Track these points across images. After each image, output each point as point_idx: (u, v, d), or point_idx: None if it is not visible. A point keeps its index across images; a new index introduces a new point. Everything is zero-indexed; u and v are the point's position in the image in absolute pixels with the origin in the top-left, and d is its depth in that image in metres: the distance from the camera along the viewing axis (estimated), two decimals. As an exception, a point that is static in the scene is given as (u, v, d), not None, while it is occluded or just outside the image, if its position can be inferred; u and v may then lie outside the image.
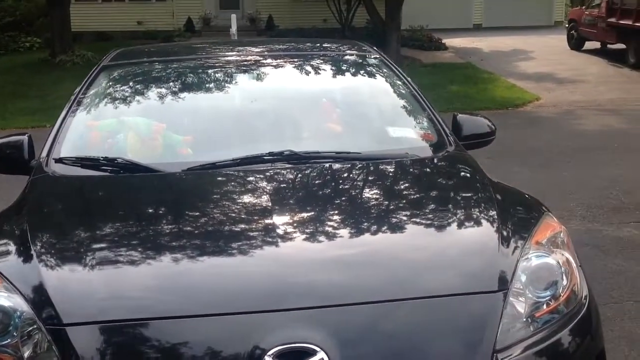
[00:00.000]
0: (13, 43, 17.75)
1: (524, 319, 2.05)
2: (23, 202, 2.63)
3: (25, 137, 3.08)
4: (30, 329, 1.97)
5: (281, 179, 2.73)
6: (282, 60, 3.84)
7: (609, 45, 14.70)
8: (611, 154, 7.25)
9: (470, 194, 2.65)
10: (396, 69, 3.69)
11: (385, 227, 2.41)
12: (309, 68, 3.73)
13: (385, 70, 3.67)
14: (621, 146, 7.61)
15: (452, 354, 1.93)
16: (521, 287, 2.11)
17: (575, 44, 15.77)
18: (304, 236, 2.31)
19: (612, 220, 5.26)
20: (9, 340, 1.96)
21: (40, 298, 2.01)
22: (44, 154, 2.93)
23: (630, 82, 11.73)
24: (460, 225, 2.39)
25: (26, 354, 1.94)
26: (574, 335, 2.10)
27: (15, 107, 10.52)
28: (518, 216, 2.50)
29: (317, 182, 2.78)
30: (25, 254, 2.21)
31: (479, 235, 2.35)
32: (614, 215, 5.37)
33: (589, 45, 15.42)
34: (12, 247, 2.29)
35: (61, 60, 14.22)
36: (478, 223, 2.42)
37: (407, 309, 2.00)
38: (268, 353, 1.84)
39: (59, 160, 2.85)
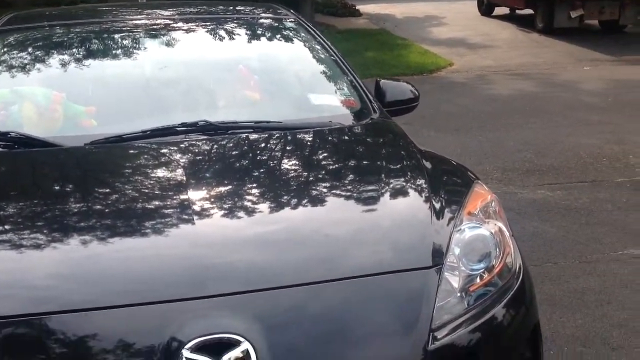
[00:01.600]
0: None
1: (458, 294, 1.96)
2: None
3: None
4: None
5: (196, 151, 2.54)
6: (194, 24, 3.59)
7: (517, 11, 14.99)
8: (523, 117, 7.38)
9: (398, 163, 2.53)
10: (315, 32, 3.53)
11: (310, 202, 2.27)
12: (222, 32, 3.51)
13: (303, 34, 3.50)
14: (532, 109, 7.75)
15: (387, 335, 1.83)
16: (455, 260, 2.02)
17: (485, 9, 15.98)
18: (222, 213, 2.14)
19: (526, 182, 5.33)
20: None
21: None
22: None
23: (538, 47, 11.99)
24: (390, 196, 2.27)
25: None
26: (508, 309, 2.03)
27: None
28: (448, 185, 2.41)
29: (235, 154, 2.61)
30: None
31: (409, 207, 2.24)
32: (528, 177, 5.45)
33: (498, 10, 15.66)
34: None
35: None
36: (408, 194, 2.31)
37: (337, 290, 1.87)
38: (186, 346, 1.68)
39: None
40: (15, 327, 1.73)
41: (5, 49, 3.15)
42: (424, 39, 13.00)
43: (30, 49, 3.20)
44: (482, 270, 2.05)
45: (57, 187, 2.35)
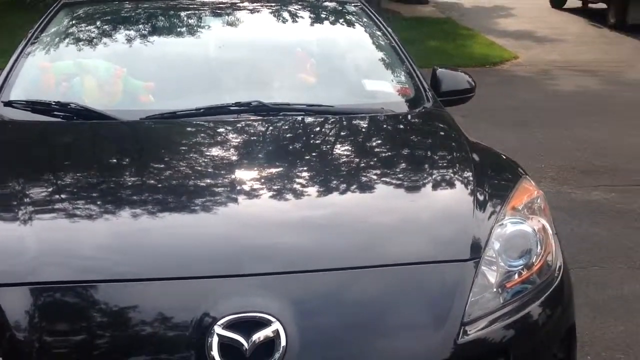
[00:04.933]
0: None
1: (494, 289, 1.95)
2: None
3: None
4: None
5: (248, 131, 2.58)
6: (257, 4, 3.63)
7: (590, 5, 14.54)
8: (585, 116, 7.18)
9: (446, 154, 2.53)
10: (377, 18, 3.52)
11: (355, 187, 2.29)
12: (284, 14, 3.55)
13: (365, 19, 3.50)
14: (595, 108, 7.54)
15: (417, 326, 1.83)
16: (494, 255, 2.00)
17: (557, 2, 15.54)
18: (268, 194, 2.17)
19: (581, 183, 5.21)
20: None
21: None
22: (-7, 96, 2.73)
23: (609, 43, 11.62)
24: (434, 187, 2.27)
25: None
26: (544, 308, 2.00)
27: (-17, 48, 10.10)
28: (495, 179, 2.39)
29: (285, 136, 2.64)
30: None
31: (453, 198, 2.23)
32: (584, 178, 5.32)
33: (570, 3, 15.22)
34: None
35: (32, 0, 13.67)
36: (453, 185, 2.30)
37: (373, 277, 1.89)
38: (218, 322, 1.71)
39: (8, 104, 2.66)
40: (60, 293, 1.79)
41: (71, 22, 3.26)
42: (490, 29, 12.76)
43: (93, 23, 3.30)
44: (521, 267, 2.02)
45: (110, 160, 2.42)
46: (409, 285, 1.89)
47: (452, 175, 2.35)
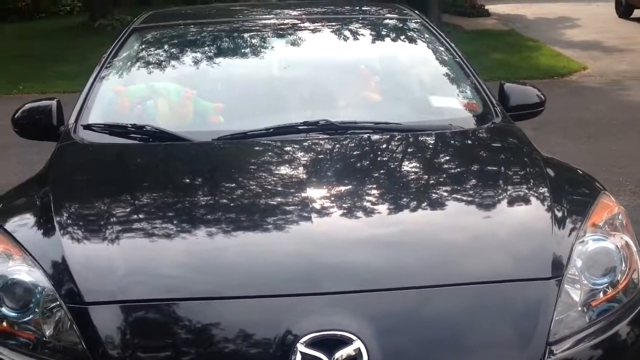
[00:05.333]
0: (53, 6, 17.75)
1: (579, 308, 1.89)
2: (48, 170, 2.53)
3: (54, 102, 2.98)
4: (52, 305, 1.88)
5: (317, 150, 2.59)
6: (318, 24, 3.67)
7: (659, 13, 14.14)
8: (661, 127, 6.94)
9: (519, 170, 2.47)
10: (439, 33, 3.48)
11: (428, 205, 2.26)
12: (346, 32, 3.55)
13: (427, 35, 3.48)
14: (672, 119, 7.27)
15: (502, 346, 1.79)
16: (576, 273, 1.94)
17: (624, 11, 15.14)
18: (341, 212, 2.16)
19: (663, 196, 5.01)
20: (30, 316, 1.88)
21: (61, 274, 1.92)
22: (72, 120, 2.82)
23: (681, 53, 11.23)
24: (510, 203, 2.22)
25: (47, 332, 1.86)
26: (633, 327, 1.93)
27: (55, 71, 10.51)
28: (572, 195, 2.32)
29: (354, 154, 2.63)
30: (47, 226, 2.11)
31: (529, 215, 2.17)
32: (665, 191, 5.12)
33: (637, 13, 14.81)
34: (34, 219, 2.19)
35: (101, 24, 14.16)
36: (529, 202, 2.24)
37: (452, 295, 1.86)
38: (301, 340, 1.72)
39: (87, 127, 2.74)
40: (148, 310, 1.85)
41: (142, 46, 3.35)
42: (555, 41, 12.51)
43: (163, 46, 3.38)
44: (605, 285, 1.96)
45: (187, 180, 2.47)
46: (490, 304, 1.85)
47: (527, 191, 2.29)
